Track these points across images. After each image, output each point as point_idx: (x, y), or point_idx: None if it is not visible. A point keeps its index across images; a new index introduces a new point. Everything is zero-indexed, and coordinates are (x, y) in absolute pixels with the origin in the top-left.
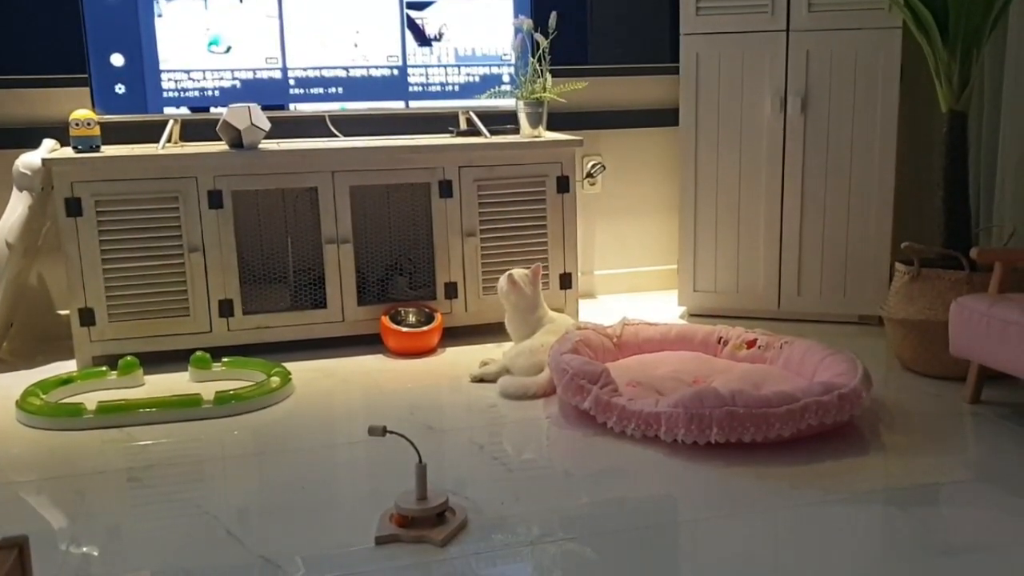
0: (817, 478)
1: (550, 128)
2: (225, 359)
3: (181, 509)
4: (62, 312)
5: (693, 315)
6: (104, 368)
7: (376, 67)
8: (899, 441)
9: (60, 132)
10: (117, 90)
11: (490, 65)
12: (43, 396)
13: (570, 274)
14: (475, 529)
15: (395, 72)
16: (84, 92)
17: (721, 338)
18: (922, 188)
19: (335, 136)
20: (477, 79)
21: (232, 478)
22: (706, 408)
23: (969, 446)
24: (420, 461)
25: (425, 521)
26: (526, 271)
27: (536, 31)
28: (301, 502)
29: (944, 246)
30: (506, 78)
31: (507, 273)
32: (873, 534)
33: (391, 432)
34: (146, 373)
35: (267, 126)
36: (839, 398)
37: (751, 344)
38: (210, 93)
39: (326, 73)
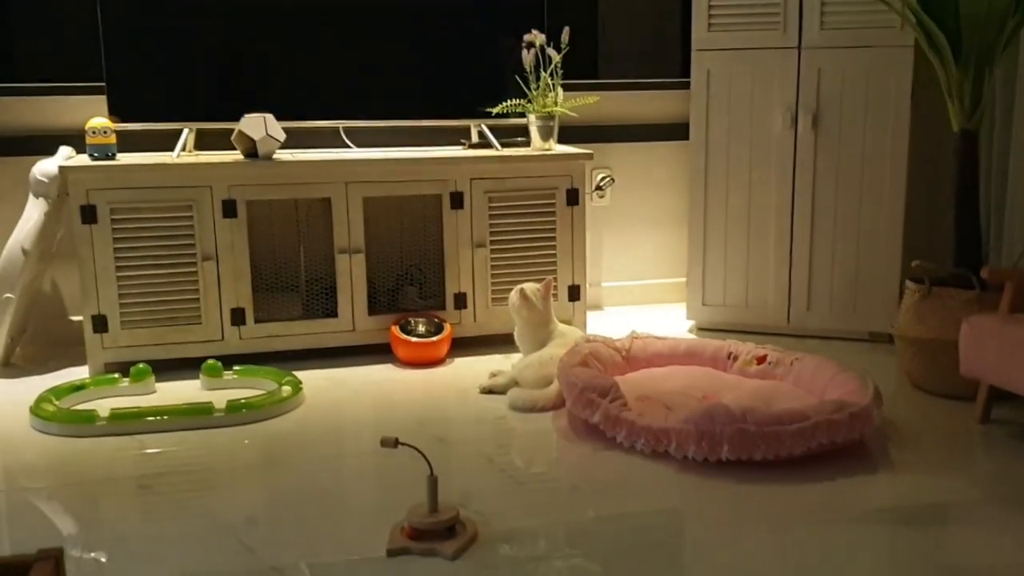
0: (827, 496)
1: (561, 141)
2: (236, 367)
3: (192, 517)
4: (75, 318)
5: (701, 329)
6: (116, 375)
7: (390, 79)
8: (909, 460)
9: (76, 140)
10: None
11: (503, 79)
12: (56, 402)
13: (579, 286)
14: (484, 542)
15: (409, 85)
16: (101, 100)
17: (731, 353)
18: (933, 206)
19: (349, 147)
20: (489, 93)
21: (243, 487)
22: (717, 426)
23: (979, 466)
24: (431, 473)
25: (436, 534)
26: (537, 285)
27: (548, 46)
28: (312, 512)
29: (955, 265)
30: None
31: (518, 288)
32: (882, 553)
33: (403, 444)
34: (158, 380)
35: (282, 136)
36: (850, 417)
37: (761, 360)
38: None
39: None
